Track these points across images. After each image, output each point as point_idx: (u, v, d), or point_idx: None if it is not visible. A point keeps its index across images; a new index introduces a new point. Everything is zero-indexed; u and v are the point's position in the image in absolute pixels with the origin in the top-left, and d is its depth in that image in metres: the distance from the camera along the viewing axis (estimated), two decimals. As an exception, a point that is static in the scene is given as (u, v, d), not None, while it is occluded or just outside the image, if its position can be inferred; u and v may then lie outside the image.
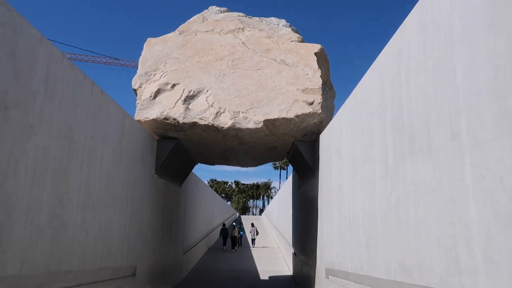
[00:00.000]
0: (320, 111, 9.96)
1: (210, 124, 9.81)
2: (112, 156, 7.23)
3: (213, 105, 10.06)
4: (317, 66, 10.97)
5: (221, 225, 32.32)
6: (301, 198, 13.69)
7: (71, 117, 5.60)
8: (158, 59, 11.33)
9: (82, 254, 5.96)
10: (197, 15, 13.23)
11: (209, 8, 13.73)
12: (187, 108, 10.06)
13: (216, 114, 9.90)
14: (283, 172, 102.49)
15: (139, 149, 9.06)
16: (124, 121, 7.96)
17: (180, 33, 12.25)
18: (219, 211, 37.29)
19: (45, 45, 4.84)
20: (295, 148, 10.92)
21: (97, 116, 6.52)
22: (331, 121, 8.45)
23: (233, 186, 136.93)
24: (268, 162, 13.84)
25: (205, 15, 13.13)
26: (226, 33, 12.12)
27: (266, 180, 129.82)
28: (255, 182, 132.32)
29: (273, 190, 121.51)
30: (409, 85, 4.23)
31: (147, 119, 10.07)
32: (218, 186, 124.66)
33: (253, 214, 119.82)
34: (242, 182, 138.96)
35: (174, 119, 9.92)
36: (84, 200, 6.03)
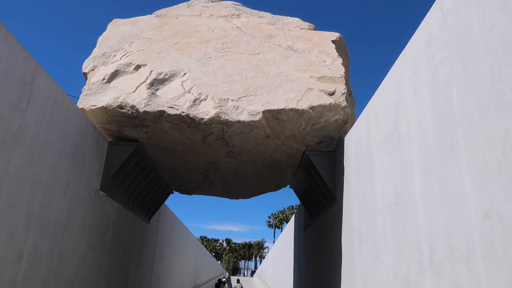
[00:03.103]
0: (344, 103, 6.92)
1: (183, 114, 6.67)
2: (-12, 119, 3.99)
3: (191, 90, 7.00)
4: (337, 53, 8.11)
5: (216, 279, 29.07)
6: (309, 241, 10.18)
7: None
8: (123, 39, 8.45)
9: None
10: (182, 3, 10.62)
11: (199, -1, 11.15)
12: (153, 93, 6.97)
13: (193, 102, 6.80)
14: (278, 232, 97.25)
15: (70, 141, 5.83)
16: (35, 80, 4.81)
17: (158, 16, 9.52)
18: (206, 267, 32.81)
19: None
20: (307, 161, 7.69)
21: None
22: (377, 91, 5.34)
23: (224, 244, 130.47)
24: (266, 191, 10.48)
25: (192, 2, 10.51)
26: (216, 17, 9.39)
27: (259, 240, 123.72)
28: (247, 241, 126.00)
29: (266, 250, 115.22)
30: None
31: (94, 108, 6.93)
32: (208, 244, 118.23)
33: (244, 276, 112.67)
34: (234, 241, 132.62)
35: (133, 106, 6.79)
36: None
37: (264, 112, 6.63)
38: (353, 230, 5.89)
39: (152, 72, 7.34)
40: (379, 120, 5.00)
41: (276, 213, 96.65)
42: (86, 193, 6.50)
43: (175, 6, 10.32)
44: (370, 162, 5.24)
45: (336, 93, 7.02)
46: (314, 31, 9.16)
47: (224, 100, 6.80)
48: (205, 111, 6.67)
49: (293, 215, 13.82)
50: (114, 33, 8.68)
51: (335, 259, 6.82)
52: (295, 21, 9.60)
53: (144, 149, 7.83)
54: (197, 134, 7.14)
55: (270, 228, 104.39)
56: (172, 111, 6.71)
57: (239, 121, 6.59)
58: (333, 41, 8.56)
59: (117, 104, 6.87)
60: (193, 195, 11.62)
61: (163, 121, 6.85)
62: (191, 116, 6.64)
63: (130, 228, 8.99)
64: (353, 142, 6.24)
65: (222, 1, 10.64)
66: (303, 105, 6.72)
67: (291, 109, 6.66)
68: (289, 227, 15.23)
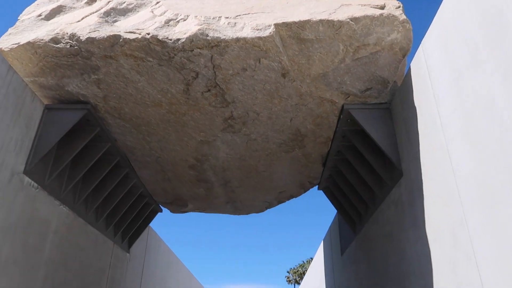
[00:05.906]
0: (403, 17, 4.38)
1: (148, 36, 4.18)
2: None
3: (165, 14, 4.57)
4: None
5: None
6: (351, 265, 7.19)
7: None
8: (82, -15, 6.22)
9: None
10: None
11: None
12: (106, 21, 4.55)
13: (165, 23, 4.34)
14: None
15: None
16: None
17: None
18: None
19: None
20: (347, 123, 5.01)
21: None
22: None
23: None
24: (285, 199, 7.61)
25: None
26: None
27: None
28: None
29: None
30: None
31: (17, 45, 4.51)
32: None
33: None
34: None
35: (73, 35, 4.35)
36: None
37: (277, 25, 4.11)
38: (458, 205, 3.11)
39: (110, 2, 5.00)
40: None
41: (295, 267, 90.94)
42: (-11, 170, 3.90)
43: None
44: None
45: (387, 7, 4.52)
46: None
47: (213, 18, 4.33)
48: (183, 29, 4.18)
49: (322, 242, 10.80)
50: (71, -18, 6.48)
51: (415, 269, 3.94)
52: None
53: (102, 121, 5.27)
54: (175, 80, 4.59)
55: (290, 285, 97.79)
56: (131, 35, 4.23)
57: (237, 39, 4.05)
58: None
59: (50, 37, 4.44)
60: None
61: (119, 55, 4.35)
62: (160, 38, 4.14)
63: (93, 251, 6.23)
64: (436, 48, 3.62)
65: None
66: (339, 15, 4.21)
67: (321, 21, 4.13)
68: (318, 259, 12.07)
